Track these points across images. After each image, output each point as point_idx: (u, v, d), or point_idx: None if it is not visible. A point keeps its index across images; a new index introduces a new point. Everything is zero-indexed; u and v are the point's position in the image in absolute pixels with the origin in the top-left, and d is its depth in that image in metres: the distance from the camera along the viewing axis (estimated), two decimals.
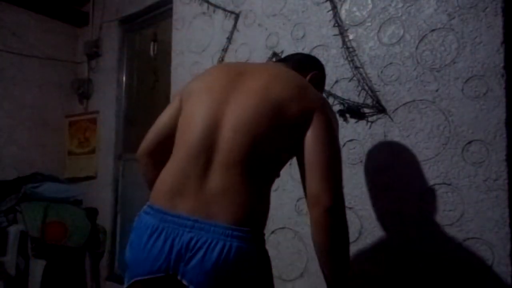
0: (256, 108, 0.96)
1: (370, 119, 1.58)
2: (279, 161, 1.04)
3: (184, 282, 0.88)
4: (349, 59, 1.64)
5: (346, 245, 0.99)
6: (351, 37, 1.66)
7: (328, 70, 1.70)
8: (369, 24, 1.62)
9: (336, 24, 1.69)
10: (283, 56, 1.85)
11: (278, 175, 1.16)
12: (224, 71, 1.10)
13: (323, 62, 1.71)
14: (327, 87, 1.69)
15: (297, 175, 1.76)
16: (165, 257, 0.89)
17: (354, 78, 1.62)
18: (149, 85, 2.91)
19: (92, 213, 2.88)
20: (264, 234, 1.00)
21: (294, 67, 1.20)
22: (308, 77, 1.22)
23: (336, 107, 1.66)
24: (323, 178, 0.94)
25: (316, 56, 1.75)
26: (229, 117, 0.97)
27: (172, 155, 1.04)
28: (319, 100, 1.03)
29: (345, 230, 0.97)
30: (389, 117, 1.53)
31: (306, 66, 1.26)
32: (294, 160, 1.76)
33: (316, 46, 1.75)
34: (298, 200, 1.74)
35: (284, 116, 0.97)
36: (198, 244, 0.87)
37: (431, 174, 1.41)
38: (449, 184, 1.37)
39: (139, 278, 0.93)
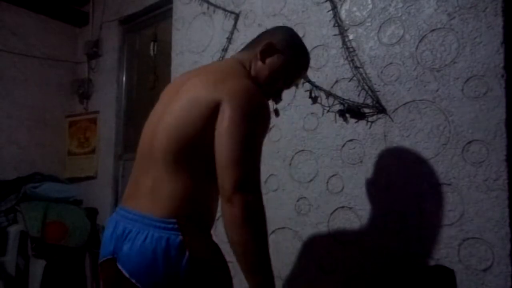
0: (180, 110, 1.05)
1: (370, 119, 1.58)
2: (210, 157, 1.02)
3: (119, 265, 1.01)
4: (349, 59, 1.64)
5: (253, 239, 0.95)
6: (351, 37, 1.66)
7: (328, 70, 1.70)
8: (369, 24, 1.62)
9: (336, 24, 1.69)
10: None
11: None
12: (180, 78, 1.22)
13: (323, 62, 1.72)
14: (327, 87, 1.69)
15: (297, 175, 1.77)
16: (109, 242, 1.05)
17: (354, 78, 1.62)
18: (149, 85, 2.91)
19: (92, 213, 2.88)
20: (204, 228, 1.06)
21: (250, 48, 1.22)
22: (258, 51, 1.17)
23: (336, 107, 1.66)
24: (224, 168, 0.95)
25: (316, 56, 1.75)
26: (162, 123, 1.07)
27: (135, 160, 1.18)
28: (227, 91, 1.01)
29: (251, 223, 0.94)
30: (389, 117, 1.53)
31: (261, 41, 1.20)
32: (294, 161, 1.77)
33: (316, 46, 1.75)
34: (298, 200, 1.74)
35: (197, 114, 1.01)
36: (130, 234, 0.99)
37: (431, 174, 1.41)
38: (449, 184, 1.37)
39: (100, 260, 1.10)
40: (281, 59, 1.17)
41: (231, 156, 0.95)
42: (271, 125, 1.85)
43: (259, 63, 1.17)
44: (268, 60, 1.17)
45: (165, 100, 1.15)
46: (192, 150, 1.02)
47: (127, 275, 0.97)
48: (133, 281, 0.96)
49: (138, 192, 1.06)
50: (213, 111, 1.00)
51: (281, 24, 1.87)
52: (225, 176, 0.95)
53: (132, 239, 0.98)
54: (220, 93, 1.01)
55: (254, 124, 1.01)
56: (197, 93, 1.04)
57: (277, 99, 1.28)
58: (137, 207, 1.03)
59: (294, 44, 1.22)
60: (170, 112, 1.07)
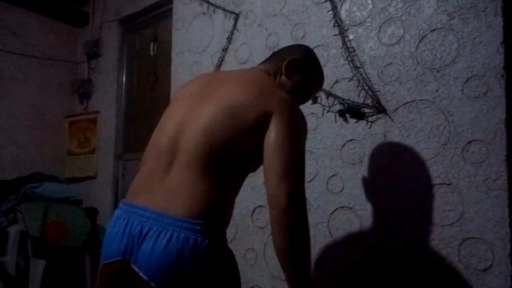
0: (214, 115, 1.03)
1: (370, 119, 1.58)
2: (241, 164, 1.06)
3: (135, 267, 0.94)
4: (349, 59, 1.64)
5: (305, 248, 0.99)
6: (351, 37, 1.66)
7: (328, 70, 1.70)
8: (369, 24, 1.62)
9: (336, 24, 1.69)
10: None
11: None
12: (201, 81, 1.19)
13: (323, 62, 1.72)
14: (327, 87, 1.69)
15: None
16: (120, 241, 0.98)
17: (354, 78, 1.62)
18: (149, 85, 2.92)
19: (92, 213, 2.88)
20: (224, 233, 1.05)
21: (271, 62, 1.24)
22: (283, 67, 1.21)
23: (336, 107, 1.66)
24: (279, 179, 0.95)
25: (316, 56, 1.75)
26: (192, 123, 1.05)
27: (146, 156, 1.13)
28: (278, 103, 1.03)
29: (303, 233, 0.98)
30: (389, 117, 1.53)
31: (283, 56, 1.25)
32: None
33: (316, 46, 1.75)
34: None
35: (241, 122, 1.01)
36: (150, 233, 0.94)
37: (431, 174, 1.41)
38: (449, 184, 1.37)
39: (105, 262, 1.02)
40: (302, 75, 1.23)
41: (287, 168, 0.96)
42: None
43: (283, 77, 1.22)
44: (291, 76, 1.22)
45: (186, 102, 1.12)
46: (224, 157, 1.01)
47: (145, 278, 0.92)
48: (153, 284, 0.91)
49: (153, 190, 1.02)
50: (262, 122, 1.00)
51: (282, 24, 1.88)
52: (280, 188, 0.95)
53: (154, 239, 0.93)
54: (270, 106, 1.02)
55: (302, 137, 1.06)
56: (240, 102, 1.03)
57: None
58: (153, 205, 0.98)
59: (312, 61, 1.29)
60: (201, 116, 1.04)
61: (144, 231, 0.95)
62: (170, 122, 1.10)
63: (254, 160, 1.06)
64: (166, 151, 1.05)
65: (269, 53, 1.87)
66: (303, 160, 1.03)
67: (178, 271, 0.91)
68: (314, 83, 1.30)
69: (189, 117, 1.06)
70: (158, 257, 0.91)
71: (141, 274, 0.93)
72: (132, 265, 0.95)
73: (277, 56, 1.28)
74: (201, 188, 0.98)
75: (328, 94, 1.68)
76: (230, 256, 1.04)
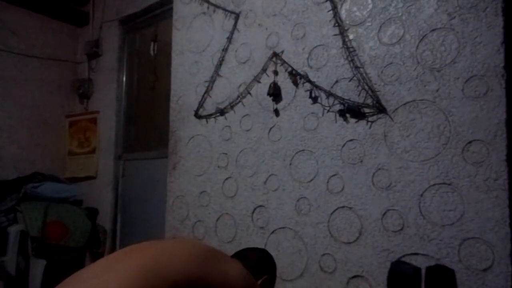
0: None
1: (370, 119, 1.58)
2: None
3: None
4: (349, 59, 1.64)
5: None
6: (351, 37, 1.66)
7: (328, 70, 1.70)
8: (369, 24, 1.62)
9: (336, 24, 1.69)
10: (283, 52, 1.85)
11: None
12: None
13: (323, 62, 1.72)
14: (327, 87, 1.70)
15: (297, 175, 1.77)
16: None
17: (354, 78, 1.62)
18: (149, 85, 2.91)
19: (92, 213, 2.89)
20: None
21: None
22: (259, 282, 1.12)
23: (336, 107, 1.66)
24: None
25: (316, 56, 1.75)
26: None
27: None
28: None
29: None
30: (389, 117, 1.53)
31: (259, 268, 1.15)
32: (294, 161, 1.77)
33: (316, 46, 1.75)
34: (298, 200, 1.74)
35: None
36: None
37: (431, 174, 1.41)
38: (449, 184, 1.37)
39: None
40: None
41: None
42: (271, 125, 1.85)
43: None
44: None
45: None
46: None
47: None
48: None
49: None
50: None
51: (282, 24, 1.87)
52: None
53: None
54: None
55: None
56: None
57: None
58: None
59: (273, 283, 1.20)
60: None
61: None
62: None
63: None
64: None
65: (269, 53, 1.89)
66: None
67: None
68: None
69: None
70: None
71: None
72: None
73: (248, 261, 1.14)
74: None
75: (328, 94, 1.69)
76: None
